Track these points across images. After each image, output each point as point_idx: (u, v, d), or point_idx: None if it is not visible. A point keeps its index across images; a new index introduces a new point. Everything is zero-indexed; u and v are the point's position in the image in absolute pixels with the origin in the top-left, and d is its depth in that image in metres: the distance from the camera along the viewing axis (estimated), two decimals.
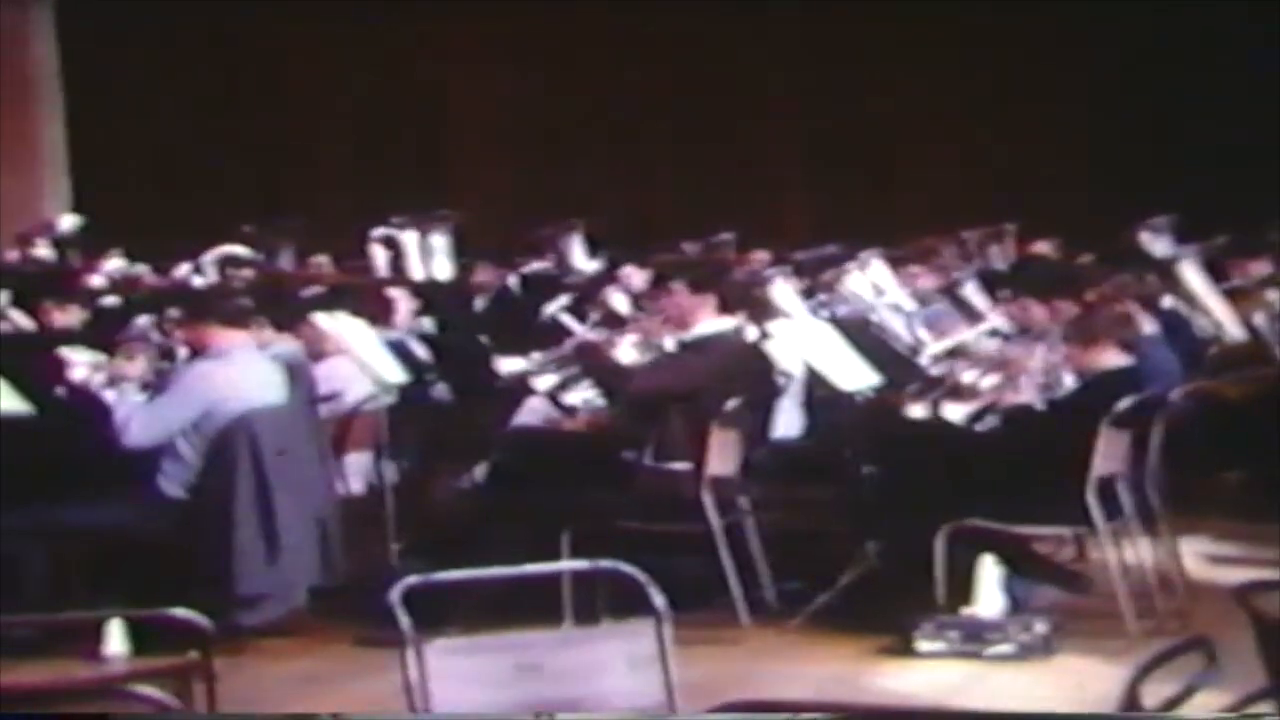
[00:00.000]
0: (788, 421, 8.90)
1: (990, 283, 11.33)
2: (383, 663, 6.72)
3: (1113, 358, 8.12)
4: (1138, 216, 14.53)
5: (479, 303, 12.65)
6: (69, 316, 10.85)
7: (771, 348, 8.80)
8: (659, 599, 4.74)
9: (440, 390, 9.72)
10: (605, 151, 18.64)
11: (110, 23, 18.48)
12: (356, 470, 9.02)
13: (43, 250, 14.79)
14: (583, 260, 14.17)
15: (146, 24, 18.72)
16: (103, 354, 8.63)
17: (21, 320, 10.96)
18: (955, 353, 9.25)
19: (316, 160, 18.71)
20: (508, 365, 9.31)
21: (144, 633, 7.49)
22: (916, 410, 8.29)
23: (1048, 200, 16.08)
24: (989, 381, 8.48)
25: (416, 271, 13.44)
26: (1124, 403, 7.73)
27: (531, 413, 9.18)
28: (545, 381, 8.98)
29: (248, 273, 13.35)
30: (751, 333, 8.84)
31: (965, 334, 9.58)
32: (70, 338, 9.51)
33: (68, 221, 15.44)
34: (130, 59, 18.69)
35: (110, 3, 18.44)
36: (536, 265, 13.77)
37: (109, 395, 8.25)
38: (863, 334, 9.14)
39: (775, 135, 18.74)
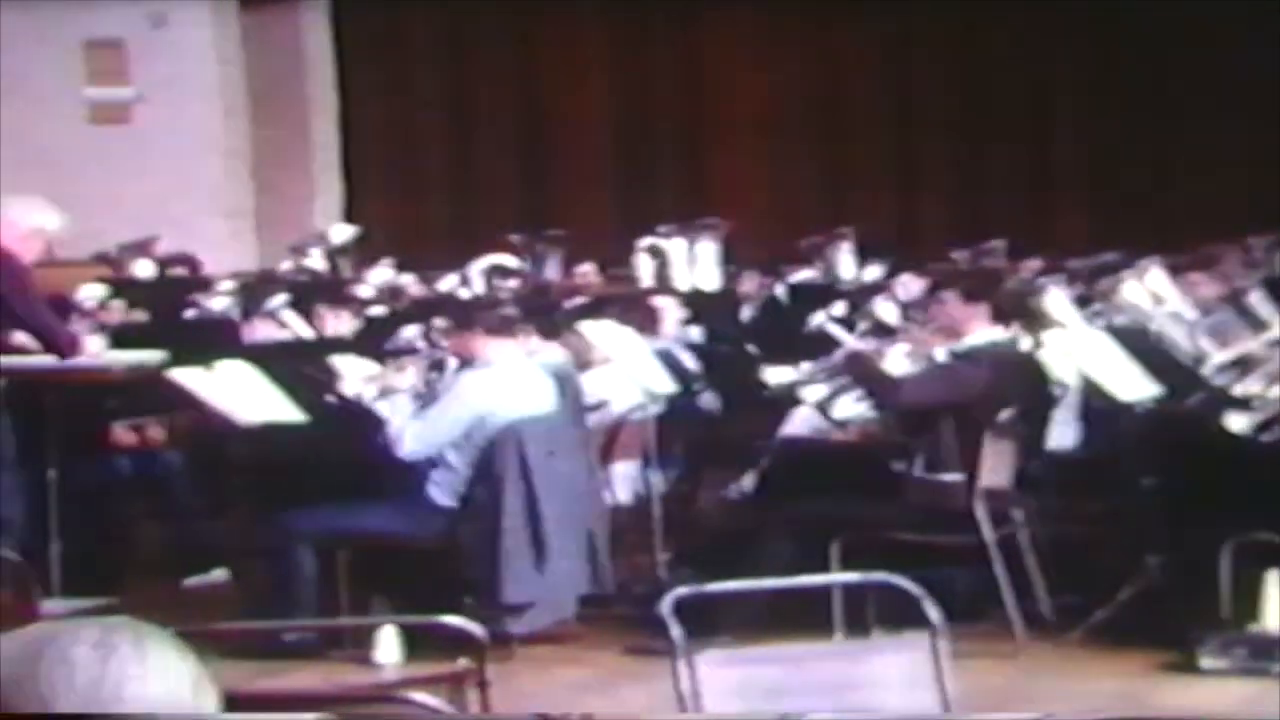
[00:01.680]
0: (1063, 432, 8.71)
1: (1277, 291, 10.97)
2: (652, 672, 6.71)
3: None
4: None
5: (746, 312, 12.58)
6: (341, 324, 10.98)
7: (1046, 358, 8.62)
8: (934, 612, 4.63)
9: (708, 400, 9.67)
10: (872, 158, 18.47)
11: (384, 35, 18.75)
12: (624, 479, 9.01)
13: (315, 260, 15.02)
14: (851, 269, 14.04)
15: (419, 37, 18.96)
16: (374, 364, 8.72)
17: (298, 325, 11.12)
18: (1240, 363, 8.96)
19: (581, 169, 18.79)
20: (776, 375, 9.22)
21: (411, 638, 7.55)
22: (1202, 421, 8.06)
23: None
24: (1277, 391, 8.21)
25: (682, 280, 13.41)
26: None
27: (800, 423, 9.09)
28: (814, 392, 8.88)
29: (514, 282, 13.43)
30: (1026, 343, 8.66)
31: (1250, 343, 9.28)
32: (342, 346, 9.62)
33: (340, 232, 15.67)
34: (402, 71, 18.94)
35: (385, 16, 18.71)
36: (804, 274, 13.66)
37: (380, 405, 8.32)
38: (1141, 343, 8.91)
39: (1052, 139, 18.40)
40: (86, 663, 2.14)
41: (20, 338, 9.32)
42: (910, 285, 11.65)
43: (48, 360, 9.24)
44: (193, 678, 2.22)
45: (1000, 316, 8.43)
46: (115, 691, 2.14)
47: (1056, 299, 10.07)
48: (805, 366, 9.06)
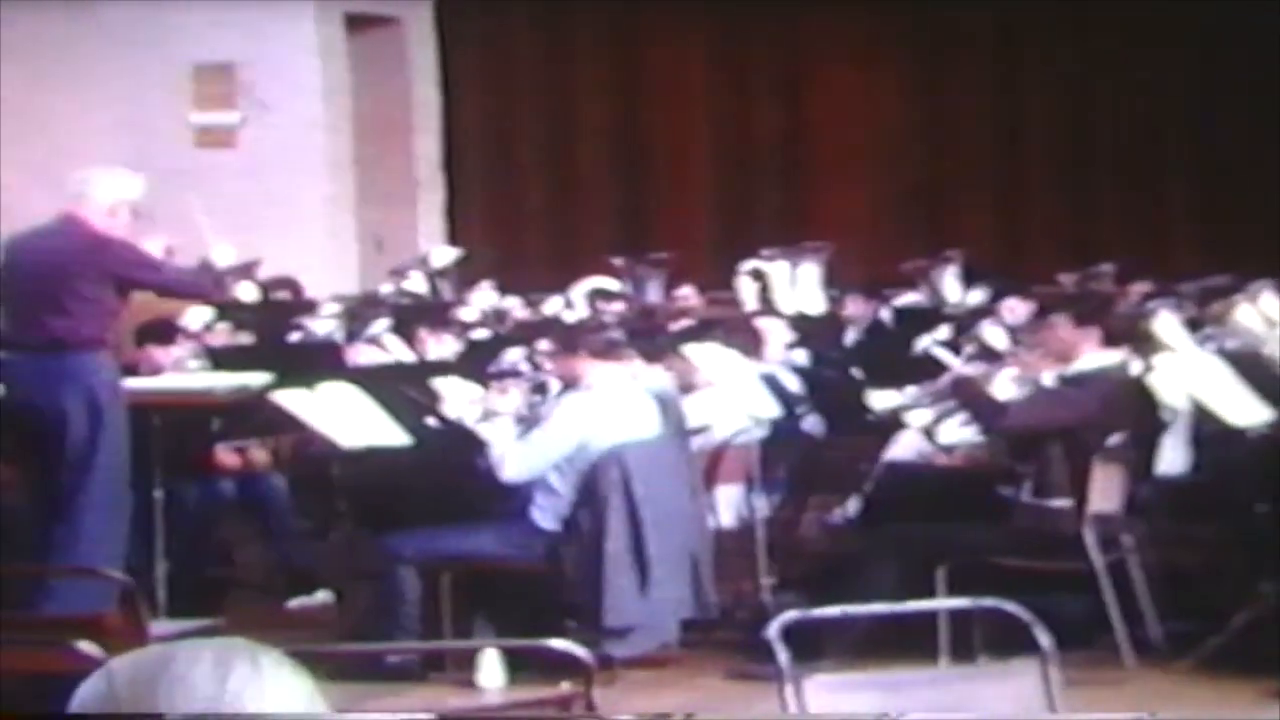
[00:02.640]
0: (1173, 458, 8.61)
1: None
2: (756, 697, 6.67)
3: None
4: None
5: (850, 335, 12.52)
6: (443, 348, 11.00)
7: (1156, 382, 8.52)
8: (1045, 638, 4.58)
9: (812, 423, 9.61)
10: (976, 180, 18.35)
11: (488, 59, 18.81)
12: (727, 503, 8.96)
13: (417, 283, 15.07)
14: (957, 292, 13.94)
15: (522, 61, 19.02)
16: (477, 387, 8.72)
17: (399, 349, 11.15)
18: None
19: (682, 192, 18.77)
20: (881, 400, 9.16)
21: (512, 662, 7.53)
22: None
23: None
24: None
25: (785, 303, 13.36)
26: None
27: (904, 447, 9.03)
28: (920, 417, 8.81)
29: (617, 306, 13.42)
30: (1136, 367, 8.57)
31: None
32: (445, 369, 9.63)
33: (442, 254, 15.72)
34: (505, 94, 19.00)
35: (489, 40, 18.77)
36: (909, 297, 13.58)
37: (484, 429, 8.32)
38: (1253, 367, 8.79)
39: (1163, 160, 18.20)
40: (204, 683, 2.14)
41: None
42: (1016, 309, 11.55)
43: (155, 381, 9.30)
44: (307, 698, 2.22)
45: (1110, 340, 8.35)
46: (233, 711, 2.14)
47: (1167, 322, 9.98)
48: (911, 391, 9.00)
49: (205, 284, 9.04)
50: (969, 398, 8.58)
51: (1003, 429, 8.36)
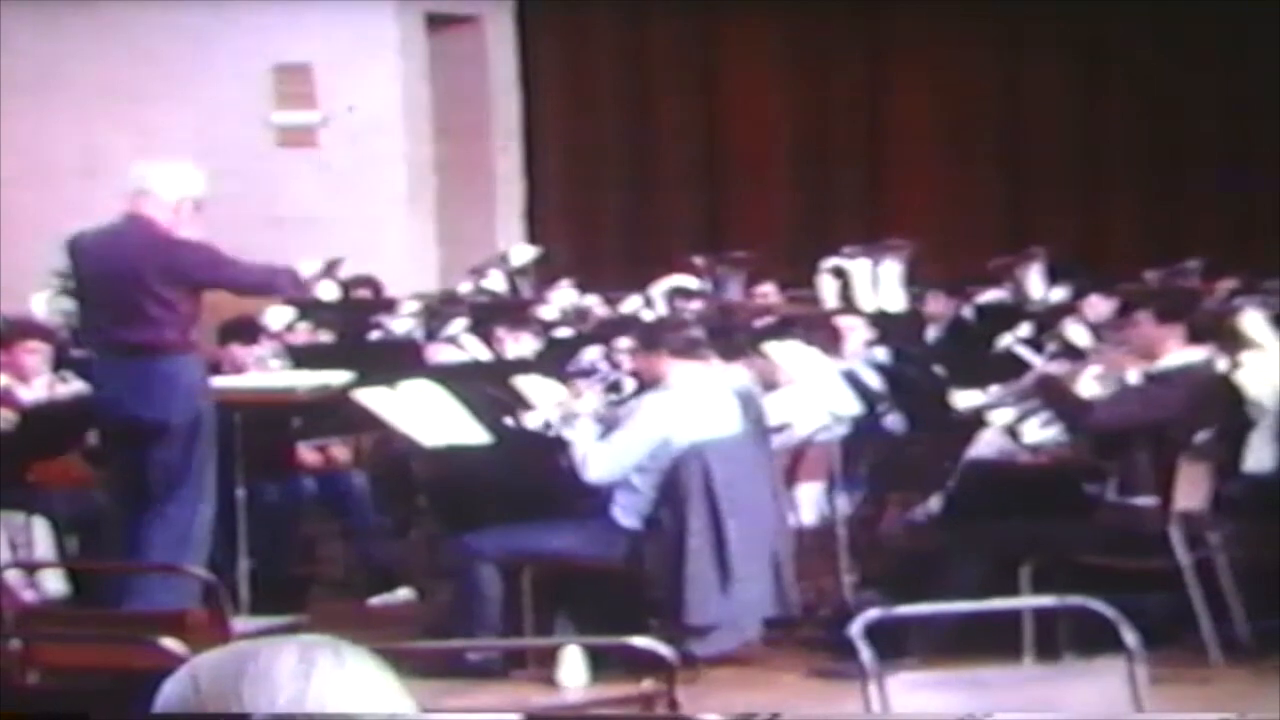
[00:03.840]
0: (1260, 454, 8.53)
1: None
2: (838, 695, 6.65)
3: None
4: None
5: (931, 332, 12.45)
6: (522, 346, 11.01)
7: (1243, 378, 8.44)
8: (1131, 637, 4.54)
9: (893, 421, 9.56)
10: (1058, 176, 18.22)
11: (567, 58, 18.82)
12: (808, 501, 8.93)
13: (495, 281, 15.09)
14: (1040, 289, 13.83)
15: (601, 60, 19.02)
16: (557, 385, 8.71)
17: (477, 348, 11.16)
18: None
19: (761, 190, 18.73)
20: (964, 398, 9.11)
21: (593, 659, 7.52)
22: None
23: None
24: None
25: (866, 301, 13.30)
26: None
27: (986, 445, 8.97)
28: (1003, 415, 8.76)
29: (696, 304, 13.40)
30: (1222, 364, 8.49)
31: None
32: (525, 367, 9.63)
33: (520, 253, 15.73)
34: (584, 93, 19.01)
35: (569, 39, 18.78)
36: (992, 295, 13.49)
37: (564, 428, 8.31)
38: None
39: (1247, 155, 18.00)
40: (288, 680, 2.13)
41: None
42: (1099, 306, 11.47)
43: (237, 380, 9.34)
44: (392, 694, 2.21)
45: (1195, 337, 8.28)
46: (318, 707, 2.13)
47: (1253, 319, 9.87)
48: (995, 390, 8.94)
49: (282, 282, 9.00)
50: (1054, 396, 8.52)
51: (1088, 427, 8.30)
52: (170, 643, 4.66)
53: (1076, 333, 10.47)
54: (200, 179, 8.27)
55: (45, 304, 12.94)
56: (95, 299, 8.29)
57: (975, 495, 8.43)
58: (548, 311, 13.22)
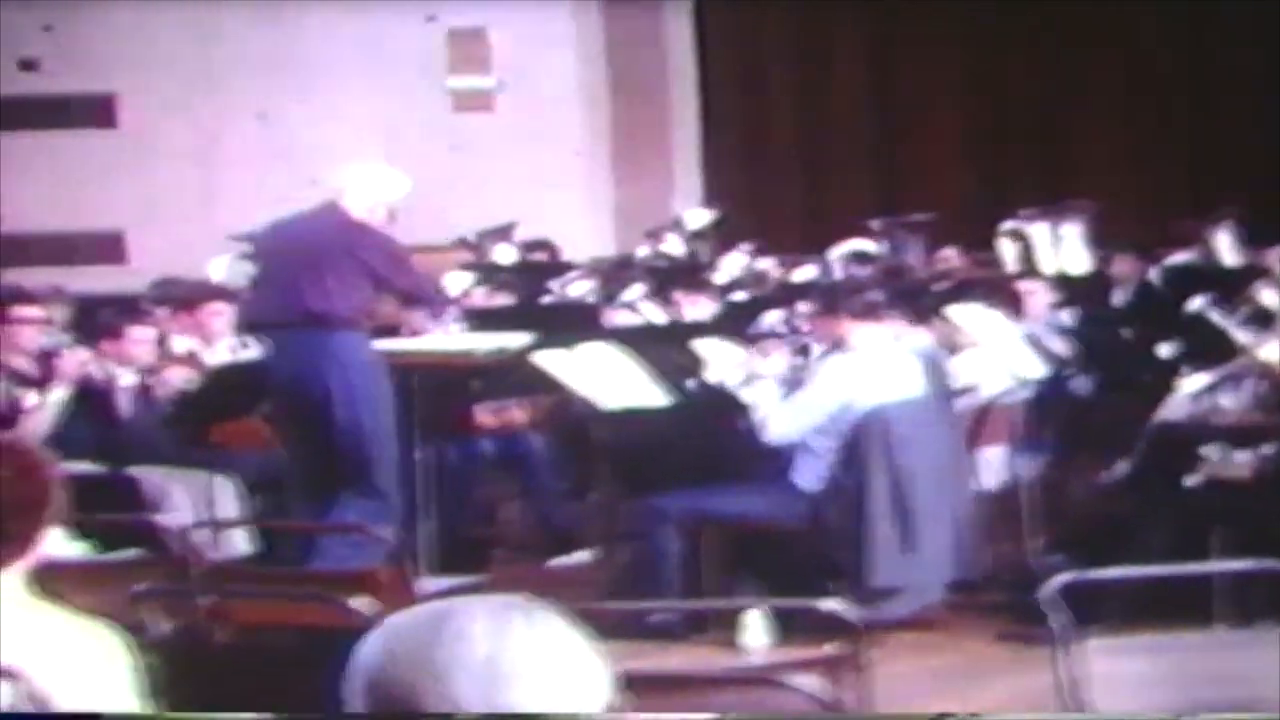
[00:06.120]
0: None
1: None
2: (1027, 660, 6.55)
3: None
4: None
5: (1118, 295, 12.23)
6: (699, 310, 10.97)
7: None
8: None
9: (1079, 384, 9.43)
10: (1245, 134, 17.81)
11: (743, 21, 18.73)
12: (992, 464, 8.83)
13: (673, 246, 15.05)
14: (1232, 252, 13.53)
15: (777, 22, 18.91)
16: (736, 348, 8.68)
17: (655, 312, 11.14)
18: None
19: (938, 151, 18.52)
20: (1158, 363, 8.95)
21: (773, 622, 7.48)
22: None
23: None
24: None
25: (1048, 263, 13.11)
26: None
27: (1175, 408, 8.81)
28: (1194, 380, 8.59)
29: (874, 268, 13.28)
30: None
31: None
32: (704, 330, 9.59)
33: (697, 217, 15.69)
34: (760, 56, 18.91)
35: (744, 4, 18.69)
36: (1181, 256, 13.20)
37: (745, 390, 8.28)
38: None
39: None
40: (483, 638, 2.12)
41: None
42: None
43: (416, 342, 9.40)
44: (585, 654, 2.19)
45: None
46: (512, 666, 2.11)
47: None
48: (1203, 376, 8.74)
49: (437, 306, 9.31)
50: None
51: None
52: (357, 602, 4.68)
53: (1269, 297, 10.24)
54: (401, 186, 8.47)
55: (224, 268, 13.09)
56: (279, 274, 8.43)
57: (1163, 459, 8.28)
58: (723, 276, 13.17)
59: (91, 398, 8.79)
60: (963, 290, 10.49)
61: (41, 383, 8.63)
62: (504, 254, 14.51)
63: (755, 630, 7.52)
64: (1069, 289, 11.17)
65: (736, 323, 10.27)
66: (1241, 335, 8.95)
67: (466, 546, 9.12)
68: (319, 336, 8.17)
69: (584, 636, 2.20)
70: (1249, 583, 6.97)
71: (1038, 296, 10.38)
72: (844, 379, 8.06)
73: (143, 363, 9.09)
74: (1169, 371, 8.83)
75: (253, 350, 9.51)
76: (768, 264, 14.00)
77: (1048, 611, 4.58)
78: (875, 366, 8.09)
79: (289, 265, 8.31)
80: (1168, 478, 8.07)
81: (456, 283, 11.89)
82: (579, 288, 12.48)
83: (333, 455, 8.16)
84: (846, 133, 18.85)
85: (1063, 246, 13.43)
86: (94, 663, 3.33)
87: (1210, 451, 7.99)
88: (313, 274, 8.17)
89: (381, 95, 16.58)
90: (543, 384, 8.84)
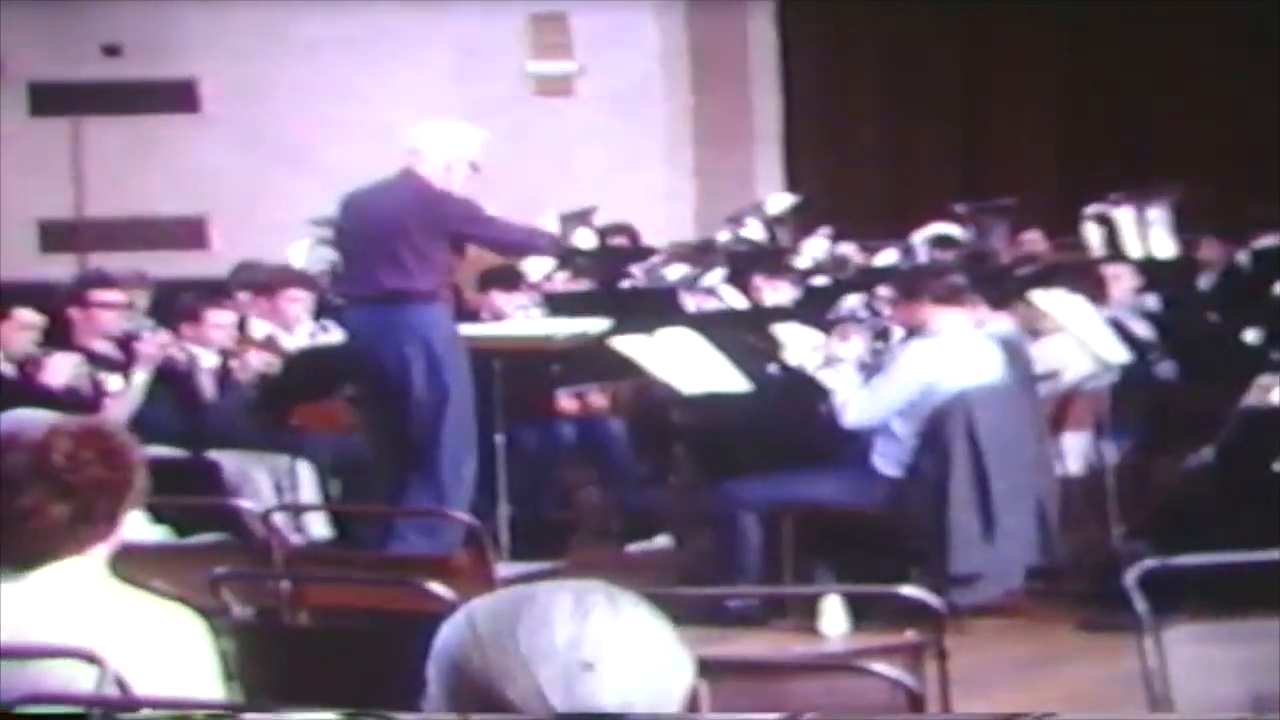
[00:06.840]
0: None
1: None
2: (1110, 647, 6.49)
3: None
4: None
5: (1204, 280, 12.12)
6: (780, 295, 10.93)
7: None
8: None
9: (1164, 369, 9.34)
10: None
11: (824, 6, 18.65)
12: (1075, 450, 8.77)
13: (753, 230, 14.99)
14: None
15: (860, 4, 18.81)
16: (816, 333, 8.64)
17: (735, 297, 11.10)
18: None
19: (1023, 135, 18.39)
20: (1247, 348, 8.85)
21: (852, 609, 7.44)
22: None
23: None
24: None
25: (1134, 248, 13.00)
26: None
27: (1263, 393, 8.71)
28: None
29: (957, 252, 13.20)
30: None
31: None
32: (784, 315, 9.56)
33: (778, 201, 15.63)
34: (843, 39, 18.83)
35: None
36: (1270, 239, 13.05)
37: (825, 375, 8.25)
38: None
39: None
40: (565, 623, 2.11)
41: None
42: None
43: (496, 327, 9.39)
44: (666, 639, 2.17)
45: None
46: (595, 652, 2.10)
47: None
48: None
49: (541, 244, 9.14)
50: None
51: None
52: (437, 586, 4.67)
53: None
54: (475, 140, 8.34)
55: (304, 253, 13.12)
56: (357, 249, 8.39)
57: (1250, 445, 8.20)
58: (804, 260, 13.12)
59: (173, 381, 8.83)
60: (1046, 275, 10.41)
61: (124, 367, 8.67)
62: (584, 239, 14.49)
63: (834, 616, 7.49)
64: (1154, 273, 11.08)
65: (817, 308, 10.23)
66: None
67: (545, 531, 9.12)
68: (399, 311, 8.11)
69: (664, 622, 2.18)
70: None
71: (1122, 281, 10.29)
72: (925, 363, 8.02)
73: (221, 346, 9.13)
74: (1255, 356, 8.71)
75: (332, 334, 9.53)
76: (849, 249, 13.93)
77: (1130, 599, 4.53)
78: (957, 351, 8.03)
79: (366, 241, 8.24)
80: (1254, 464, 7.99)
81: (537, 267, 11.88)
82: (673, 272, 12.40)
83: (412, 433, 8.11)
84: (930, 117, 18.74)
85: (1148, 231, 13.31)
86: (174, 646, 3.33)
87: None
88: (390, 248, 8.08)
89: (462, 78, 16.58)
90: (623, 369, 8.82)
